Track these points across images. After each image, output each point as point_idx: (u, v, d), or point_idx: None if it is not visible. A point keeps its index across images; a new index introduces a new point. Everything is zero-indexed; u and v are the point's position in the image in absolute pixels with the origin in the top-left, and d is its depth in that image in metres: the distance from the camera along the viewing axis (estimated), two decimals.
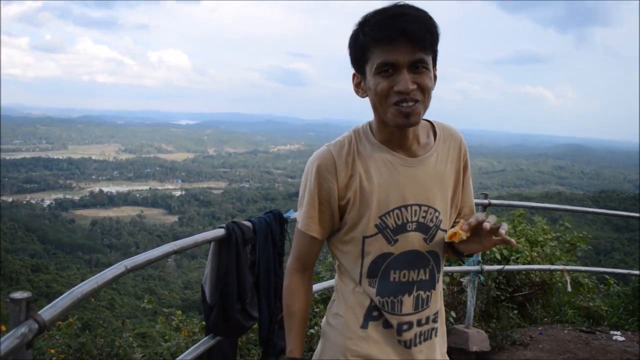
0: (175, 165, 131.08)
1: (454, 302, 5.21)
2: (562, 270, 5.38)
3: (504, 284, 5.70)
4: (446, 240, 1.55)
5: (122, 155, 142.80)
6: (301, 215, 1.66)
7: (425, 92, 1.52)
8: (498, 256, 5.75)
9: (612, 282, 6.91)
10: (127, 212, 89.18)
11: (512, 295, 5.73)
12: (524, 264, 5.76)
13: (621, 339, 5.23)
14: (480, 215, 1.51)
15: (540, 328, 5.44)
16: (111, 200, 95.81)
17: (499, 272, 5.16)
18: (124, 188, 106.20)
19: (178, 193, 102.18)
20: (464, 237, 1.51)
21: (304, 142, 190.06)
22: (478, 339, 4.45)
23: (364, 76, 1.56)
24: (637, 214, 5.83)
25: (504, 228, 1.48)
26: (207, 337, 2.89)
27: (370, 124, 1.68)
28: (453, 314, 4.83)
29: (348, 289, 1.72)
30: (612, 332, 5.51)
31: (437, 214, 1.67)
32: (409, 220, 1.64)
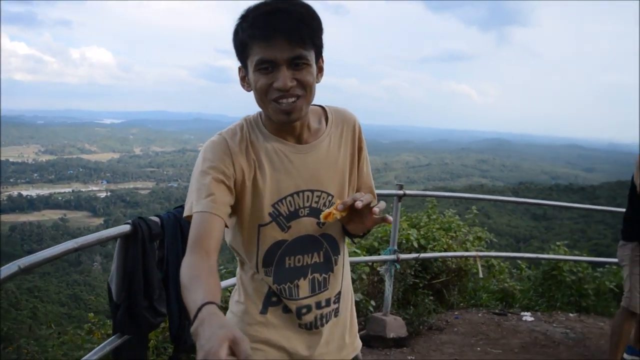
0: (100, 165, 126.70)
1: (374, 291, 5.29)
2: (475, 257, 5.56)
3: (422, 272, 5.85)
4: (321, 219, 1.56)
5: (43, 157, 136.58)
6: (198, 199, 1.51)
7: (306, 87, 1.51)
8: (415, 245, 5.89)
9: (525, 266, 7.23)
10: (48, 216, 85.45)
11: (430, 283, 5.89)
12: (440, 251, 5.93)
13: (530, 319, 5.48)
14: (358, 195, 1.53)
15: (456, 312, 5.62)
16: (31, 204, 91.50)
17: (417, 260, 5.27)
18: (44, 191, 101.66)
19: (103, 194, 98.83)
20: (338, 217, 1.52)
21: None
22: (395, 326, 4.53)
23: (247, 71, 1.55)
24: (553, 202, 6.09)
25: (379, 207, 1.50)
26: (114, 337, 2.80)
27: (260, 114, 1.66)
28: (373, 302, 4.91)
29: (247, 276, 1.71)
30: (522, 313, 5.77)
31: (330, 197, 1.68)
32: (302, 206, 1.64)
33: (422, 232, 6.23)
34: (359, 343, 1.91)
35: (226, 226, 1.54)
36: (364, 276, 5.27)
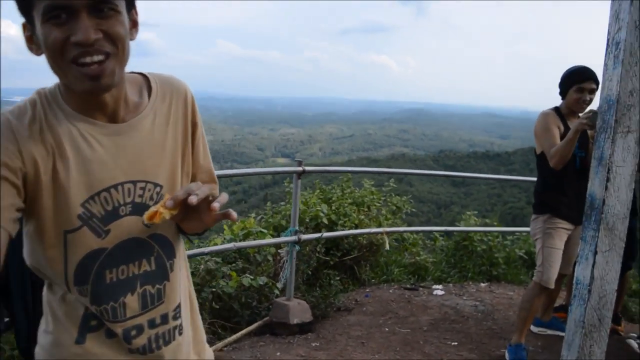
0: None
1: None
2: (382, 233, 5.34)
3: (332, 249, 5.59)
4: (145, 221, 1.18)
5: None
6: None
7: (117, 41, 1.11)
8: (326, 221, 5.62)
9: (439, 235, 7.12)
10: None
11: (341, 260, 5.64)
12: (351, 227, 5.69)
13: (441, 293, 5.33)
14: (193, 186, 1.16)
15: (367, 290, 5.41)
16: None
17: (320, 240, 4.99)
18: None
19: None
20: (167, 217, 1.15)
21: None
22: (299, 311, 4.24)
23: (34, 26, 1.12)
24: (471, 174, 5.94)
25: (220, 200, 1.15)
26: None
27: (58, 85, 1.24)
28: (279, 285, 4.59)
29: (56, 298, 1.30)
30: (434, 286, 5.63)
31: (158, 189, 1.30)
32: (122, 202, 1.24)
33: (333, 208, 5.96)
34: (210, 354, 1.57)
35: (11, 237, 1.13)
36: (270, 257, 4.95)
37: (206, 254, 3.97)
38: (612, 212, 2.05)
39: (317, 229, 5.59)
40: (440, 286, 5.63)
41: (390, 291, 5.35)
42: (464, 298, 5.23)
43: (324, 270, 5.47)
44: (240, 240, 5.09)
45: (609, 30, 2.11)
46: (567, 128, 3.63)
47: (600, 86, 2.25)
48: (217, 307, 4.19)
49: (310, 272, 5.17)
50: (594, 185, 2.10)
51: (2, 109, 1.20)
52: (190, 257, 3.93)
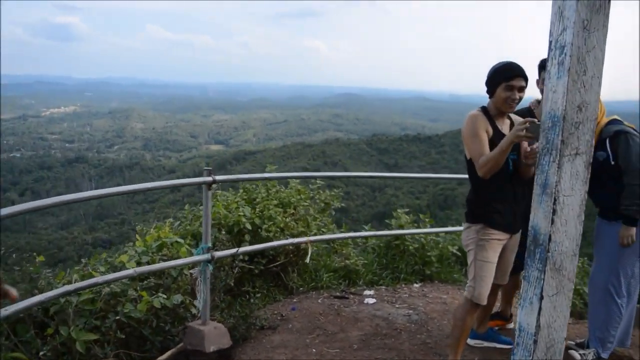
0: None
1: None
2: (306, 243, 4.96)
3: (258, 256, 5.17)
4: None
5: None
6: None
7: None
8: (249, 226, 5.18)
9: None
10: None
11: (267, 267, 5.23)
12: (275, 232, 5.28)
13: (372, 301, 5.01)
14: None
15: (295, 300, 5.03)
16: None
17: (234, 256, 4.55)
18: None
19: None
20: None
21: (80, 103, 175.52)
22: (216, 336, 3.80)
23: None
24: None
25: None
26: None
27: None
28: (197, 303, 4.12)
29: None
30: (365, 291, 5.32)
31: None
32: None
33: (257, 210, 5.53)
34: None
35: None
36: (186, 271, 4.47)
37: (100, 284, 3.45)
38: (559, 250, 1.73)
39: (240, 235, 5.16)
40: (371, 292, 5.32)
41: (319, 301, 4.99)
42: (397, 306, 4.93)
43: (248, 278, 5.07)
44: (153, 253, 4.59)
45: (550, 31, 1.77)
46: (495, 129, 3.34)
47: (543, 98, 1.91)
48: (123, 336, 3.69)
49: (232, 284, 4.73)
50: (538, 217, 1.77)
51: None
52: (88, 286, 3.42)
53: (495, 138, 3.33)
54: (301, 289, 5.31)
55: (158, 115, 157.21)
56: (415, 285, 5.77)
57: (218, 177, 3.74)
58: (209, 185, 3.70)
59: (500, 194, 3.38)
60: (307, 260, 5.04)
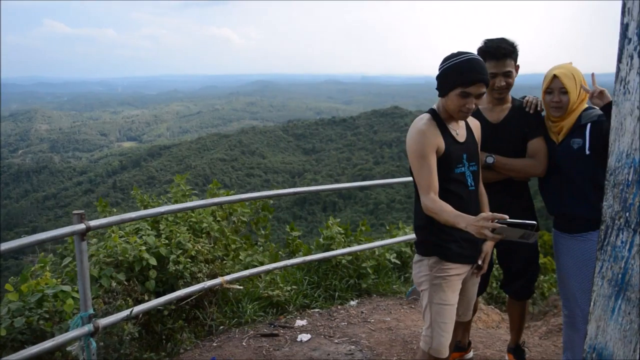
0: None
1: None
2: (222, 284, 4.07)
3: (168, 292, 4.25)
4: None
5: None
6: None
7: None
8: (154, 262, 4.23)
9: (293, 235, 5.98)
10: None
11: (179, 306, 4.32)
12: (186, 263, 4.36)
13: (307, 337, 4.20)
14: None
15: (215, 344, 4.14)
16: None
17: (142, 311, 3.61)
18: None
19: None
20: None
21: None
22: None
23: None
24: None
25: None
26: None
27: None
28: None
29: None
30: (298, 321, 4.51)
31: None
32: None
33: (164, 236, 4.58)
34: None
35: None
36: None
37: None
38: None
39: (144, 271, 4.22)
40: (304, 322, 4.52)
41: (244, 343, 4.13)
42: (336, 341, 4.15)
43: (156, 320, 4.14)
44: (31, 309, 3.56)
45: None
46: (449, 140, 2.59)
47: (612, 128, 1.16)
48: None
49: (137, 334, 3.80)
50: (610, 333, 1.00)
51: None
52: None
53: (450, 152, 2.59)
54: (222, 327, 4.43)
55: (64, 114, 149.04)
56: (352, 302, 5.04)
57: (93, 223, 2.79)
58: (81, 235, 2.74)
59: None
60: (236, 287, 4.17)
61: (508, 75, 3.07)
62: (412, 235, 5.48)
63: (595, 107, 2.99)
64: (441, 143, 2.59)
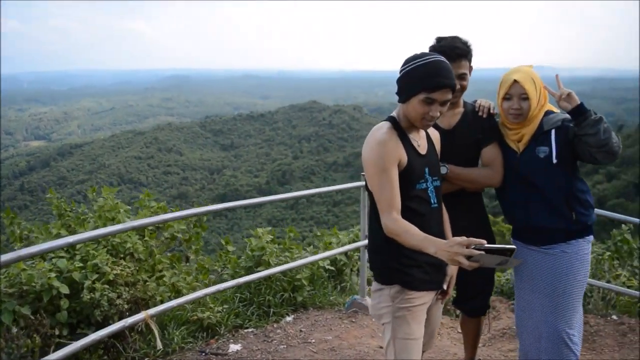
0: None
1: None
2: (145, 320, 3.55)
3: (82, 324, 3.69)
4: None
5: None
6: None
7: None
8: (66, 289, 3.65)
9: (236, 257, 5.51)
10: None
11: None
12: (102, 289, 3.80)
13: None
14: None
15: None
16: None
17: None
18: None
19: None
20: None
21: None
22: None
23: None
24: None
25: None
26: None
27: None
28: None
29: None
30: (232, 346, 4.08)
31: None
32: None
33: (79, 258, 3.99)
34: None
35: None
36: None
37: None
38: None
39: (54, 301, 3.64)
40: (239, 346, 4.09)
41: None
42: None
43: (71, 357, 3.57)
44: None
45: None
46: (410, 151, 2.26)
47: None
48: None
49: None
50: None
51: None
52: None
53: (412, 166, 2.27)
54: (146, 359, 3.91)
55: None
56: (288, 318, 4.65)
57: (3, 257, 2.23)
58: None
59: None
60: (158, 345, 3.66)
61: (462, 77, 2.79)
62: (351, 246, 5.14)
63: (555, 111, 2.75)
64: (403, 155, 2.25)
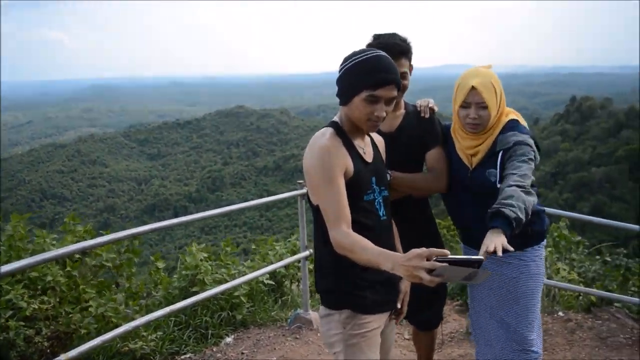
0: None
1: None
2: None
3: None
4: None
5: None
6: None
7: None
8: None
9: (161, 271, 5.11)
10: None
11: None
12: (17, 327, 3.37)
13: None
14: None
15: None
16: None
17: None
18: None
19: None
20: None
21: None
22: None
23: None
24: None
25: None
26: None
27: None
28: None
29: None
30: None
31: None
32: None
33: None
34: None
35: None
36: None
37: None
38: None
39: None
40: None
41: None
42: None
43: None
44: None
45: None
46: (356, 159, 2.04)
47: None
48: None
49: None
50: None
51: None
52: None
53: (359, 175, 2.05)
54: None
55: None
56: (228, 340, 4.34)
57: None
58: None
59: None
60: None
61: (403, 77, 2.57)
62: (292, 258, 4.87)
63: (518, 119, 2.56)
64: (349, 164, 2.02)
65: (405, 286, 2.25)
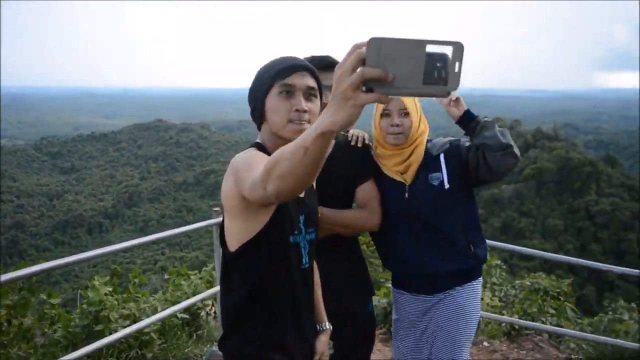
0: None
1: None
2: None
3: None
4: None
5: None
6: None
7: None
8: None
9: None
10: None
11: None
12: None
13: None
14: None
15: None
16: None
17: None
18: None
19: None
20: None
21: None
22: None
23: None
24: None
25: None
26: None
27: None
28: None
29: None
30: None
31: None
32: None
33: None
34: None
35: None
36: None
37: None
38: None
39: None
40: None
41: None
42: None
43: None
44: None
45: None
46: None
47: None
48: None
49: None
50: None
51: None
52: None
53: (283, 212, 1.71)
54: None
55: None
56: None
57: None
58: None
59: (284, 312, 1.82)
60: None
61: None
62: (207, 293, 4.53)
63: (437, 138, 2.46)
64: None
65: (320, 345, 1.99)
